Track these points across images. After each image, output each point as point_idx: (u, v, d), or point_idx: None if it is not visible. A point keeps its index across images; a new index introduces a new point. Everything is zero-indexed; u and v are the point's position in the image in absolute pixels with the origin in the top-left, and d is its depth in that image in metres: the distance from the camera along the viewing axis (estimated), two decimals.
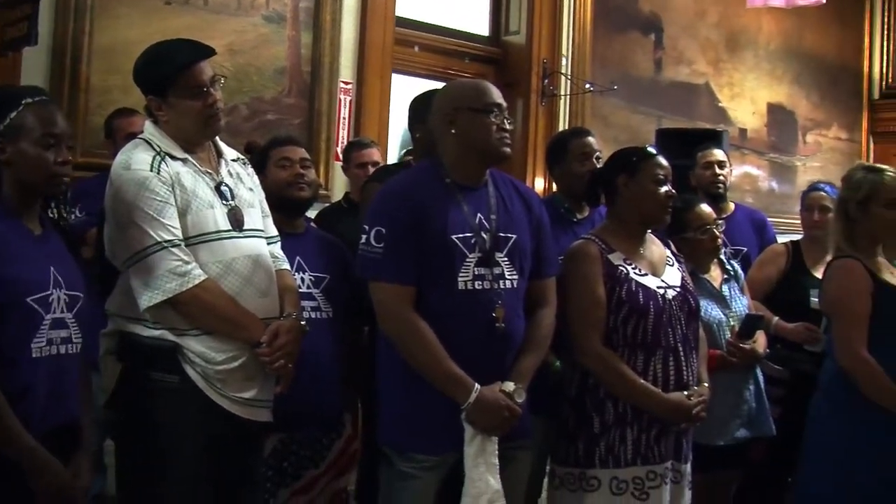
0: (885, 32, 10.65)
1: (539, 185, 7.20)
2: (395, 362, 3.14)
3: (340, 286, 3.63)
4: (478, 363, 3.08)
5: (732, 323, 4.12)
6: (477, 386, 3.06)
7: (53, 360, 2.74)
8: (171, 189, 2.97)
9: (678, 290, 3.52)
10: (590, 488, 3.38)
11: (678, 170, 3.91)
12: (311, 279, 3.59)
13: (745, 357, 4.06)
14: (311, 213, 4.16)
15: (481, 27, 7.58)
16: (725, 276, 4.25)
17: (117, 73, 5.00)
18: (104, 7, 5.15)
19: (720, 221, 4.28)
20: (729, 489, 4.37)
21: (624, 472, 3.37)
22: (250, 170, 3.34)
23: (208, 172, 3.11)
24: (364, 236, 3.14)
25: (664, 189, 3.52)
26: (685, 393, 3.42)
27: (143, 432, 2.98)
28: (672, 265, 3.61)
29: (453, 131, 3.21)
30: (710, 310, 4.04)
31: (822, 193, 4.90)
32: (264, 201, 3.32)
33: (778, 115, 9.60)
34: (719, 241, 4.20)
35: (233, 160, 3.26)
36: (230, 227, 3.07)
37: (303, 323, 3.18)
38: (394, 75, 6.62)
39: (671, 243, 3.75)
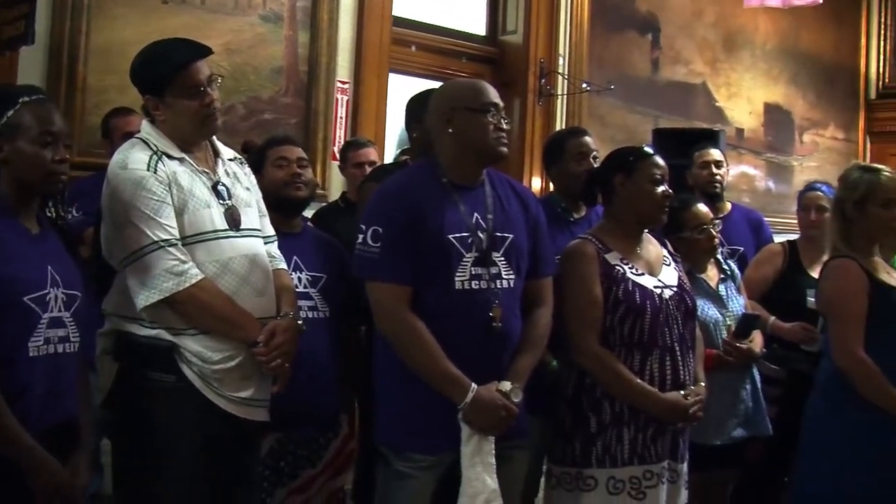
0: (882, 32, 10.65)
1: (536, 184, 7.20)
2: (391, 362, 3.14)
3: (337, 286, 3.64)
4: (474, 363, 3.08)
5: (729, 322, 4.12)
6: (474, 385, 3.06)
7: (51, 359, 2.74)
8: (167, 188, 2.97)
9: (675, 289, 3.52)
10: (586, 488, 3.38)
11: (675, 169, 3.90)
12: (307, 279, 3.60)
13: (741, 356, 4.06)
14: (308, 213, 4.16)
15: (478, 27, 7.58)
16: (722, 276, 4.26)
17: (114, 73, 5.00)
18: (101, 6, 5.15)
19: (717, 221, 4.28)
20: (725, 489, 4.37)
21: (621, 471, 3.37)
22: (247, 169, 3.34)
23: (205, 172, 3.10)
24: (361, 236, 3.14)
25: (661, 189, 3.52)
26: (682, 392, 3.42)
27: (139, 432, 2.98)
28: (669, 265, 3.61)
29: (450, 131, 3.20)
30: (706, 309, 4.04)
31: (819, 193, 4.90)
32: (261, 201, 3.32)
33: (775, 115, 9.61)
34: (716, 240, 4.20)
35: (230, 159, 3.26)
36: (227, 227, 3.07)
37: (300, 322, 3.18)
38: (391, 75, 6.62)
39: (668, 243, 3.75)
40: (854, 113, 10.55)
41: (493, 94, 3.26)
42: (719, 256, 4.32)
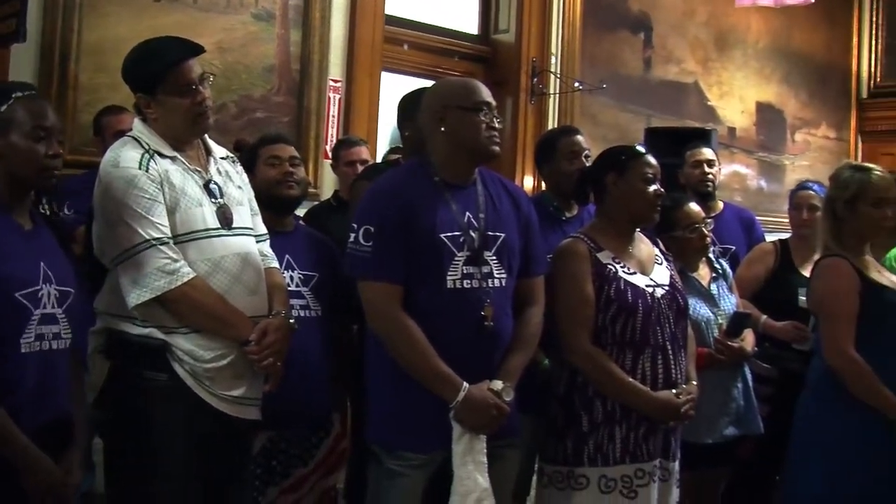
0: (874, 31, 10.67)
1: (528, 183, 7.20)
2: (383, 361, 3.14)
3: (329, 284, 3.64)
4: (466, 362, 3.08)
5: (721, 321, 4.13)
6: (465, 384, 3.06)
7: (43, 355, 2.74)
8: (159, 187, 2.97)
9: (667, 288, 3.53)
10: (578, 486, 3.39)
11: (667, 168, 3.91)
12: (300, 277, 3.60)
13: (732, 355, 4.07)
14: (300, 212, 4.15)
15: (471, 25, 7.57)
16: (714, 275, 4.27)
17: (106, 71, 4.99)
18: (93, 4, 5.13)
19: (709, 220, 4.30)
20: (717, 487, 4.38)
21: (612, 470, 3.37)
22: (239, 168, 3.33)
23: (197, 170, 3.10)
24: (353, 235, 3.14)
25: (653, 188, 3.53)
26: (674, 391, 3.43)
27: (131, 430, 2.97)
28: (661, 264, 3.61)
29: (442, 129, 3.21)
30: (698, 308, 4.05)
31: (811, 192, 4.91)
32: (253, 199, 3.31)
33: (767, 114, 9.62)
34: (708, 239, 4.21)
35: (222, 158, 3.25)
36: (219, 225, 3.06)
37: (291, 321, 3.18)
38: (383, 73, 6.60)
39: (660, 242, 3.76)
40: (846, 112, 10.57)
41: (486, 93, 3.26)
42: (711, 255, 4.32)
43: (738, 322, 4.12)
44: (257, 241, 3.23)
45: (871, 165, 3.98)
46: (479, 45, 7.56)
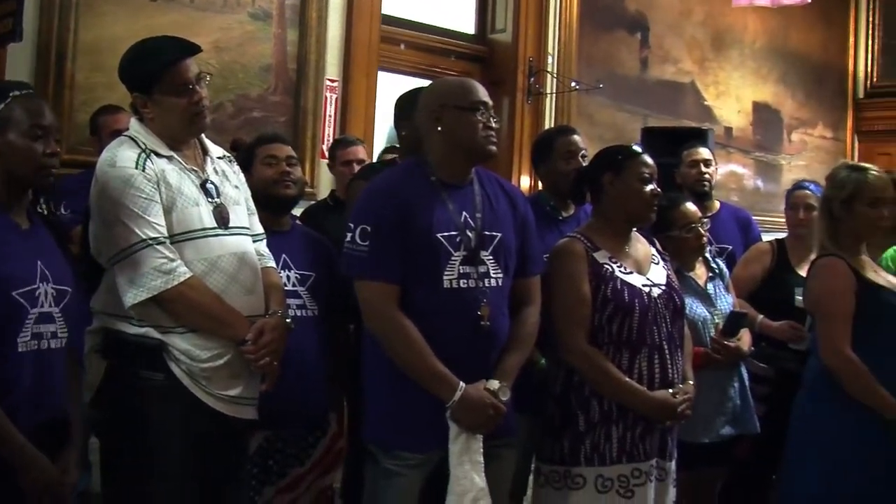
0: (870, 31, 10.68)
1: (525, 183, 7.20)
2: (380, 360, 3.14)
3: (326, 284, 3.64)
4: (463, 361, 3.08)
5: (717, 321, 4.13)
6: (462, 384, 3.06)
7: (39, 354, 2.74)
8: (156, 186, 2.97)
9: (663, 288, 3.53)
10: (575, 486, 3.39)
11: (664, 168, 3.91)
12: (296, 277, 3.60)
13: (729, 354, 4.07)
14: (297, 211, 4.15)
15: (467, 25, 7.57)
16: (710, 275, 4.27)
17: (102, 70, 4.99)
18: (89, 4, 5.13)
19: (705, 220, 4.30)
20: (714, 487, 4.39)
21: (609, 469, 3.37)
22: (236, 167, 3.33)
23: (194, 170, 3.10)
24: (349, 234, 3.14)
25: (649, 187, 3.53)
26: (670, 391, 3.43)
27: (128, 430, 2.97)
28: (657, 263, 3.62)
29: (439, 129, 3.20)
30: (695, 307, 4.05)
31: (807, 192, 4.91)
32: (250, 199, 3.31)
33: (763, 114, 9.62)
34: (704, 239, 4.22)
35: (218, 158, 3.25)
36: (216, 225, 3.06)
37: (288, 321, 3.17)
38: (380, 73, 6.61)
39: (656, 241, 3.76)
40: (842, 112, 10.57)
41: (483, 93, 3.26)
42: (707, 255, 4.33)
43: (734, 321, 4.12)
44: (254, 241, 3.23)
45: (867, 165, 3.98)
46: (476, 44, 7.56)
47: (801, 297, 4.19)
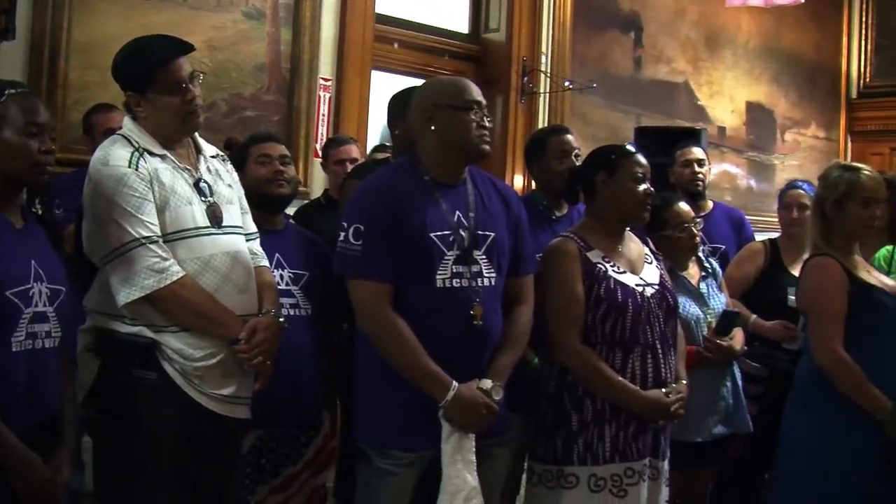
0: (863, 32, 10.69)
1: (518, 182, 7.20)
2: (373, 360, 3.14)
3: (320, 283, 3.63)
4: (455, 361, 3.08)
5: (710, 320, 4.14)
6: (454, 383, 3.06)
7: (34, 354, 2.74)
8: (149, 185, 2.96)
9: (656, 287, 3.53)
10: (568, 485, 3.39)
11: (657, 168, 3.92)
12: (290, 276, 3.59)
13: (721, 353, 4.08)
14: (290, 210, 4.15)
15: (461, 24, 7.57)
16: (703, 274, 4.28)
17: (96, 69, 4.98)
18: (83, 2, 5.12)
19: (698, 219, 4.31)
20: (706, 486, 4.39)
21: (602, 469, 3.38)
22: (229, 166, 3.33)
23: (187, 169, 3.10)
24: (342, 233, 3.14)
25: (643, 187, 3.53)
26: (663, 390, 3.44)
27: (121, 429, 2.97)
28: (650, 263, 3.62)
29: (433, 128, 3.21)
30: (688, 307, 4.06)
31: (800, 191, 4.92)
32: (243, 198, 3.31)
33: (756, 114, 9.63)
34: (697, 238, 4.22)
35: (212, 157, 3.25)
36: (209, 224, 3.06)
37: (281, 320, 3.17)
38: (373, 72, 6.60)
39: (650, 241, 3.76)
40: (835, 112, 10.59)
41: (476, 92, 3.26)
42: (701, 254, 4.34)
43: (727, 320, 4.13)
44: (247, 240, 3.22)
45: (860, 165, 3.99)
46: (470, 44, 7.56)
47: (793, 297, 4.19)
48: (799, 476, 3.76)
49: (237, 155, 3.68)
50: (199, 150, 3.20)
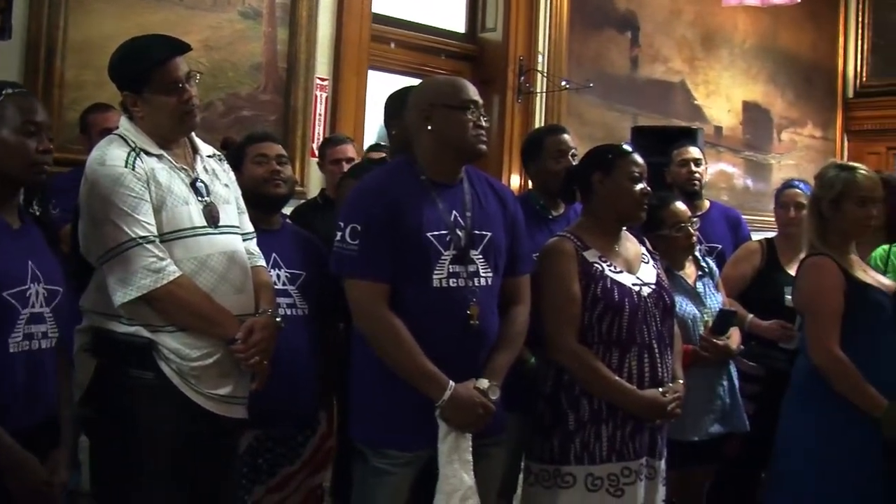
0: (860, 31, 10.70)
1: (515, 182, 7.20)
2: (369, 359, 3.14)
3: (316, 283, 3.63)
4: (452, 360, 3.08)
5: (707, 319, 4.14)
6: (451, 383, 3.06)
7: (31, 354, 2.73)
8: (146, 185, 2.96)
9: (653, 287, 3.53)
10: (565, 485, 3.39)
11: (654, 167, 3.92)
12: (286, 276, 3.59)
13: (717, 353, 4.08)
14: (287, 210, 4.15)
15: (458, 24, 7.56)
16: (700, 273, 4.28)
17: (92, 69, 4.97)
18: (79, 2, 5.11)
19: (695, 219, 4.31)
20: (703, 485, 4.39)
21: (599, 468, 3.37)
22: (226, 166, 3.33)
23: (184, 169, 3.10)
24: (339, 233, 3.13)
25: (639, 186, 3.53)
26: (660, 390, 3.43)
27: (117, 429, 2.96)
28: (647, 262, 3.62)
29: (429, 128, 3.20)
30: (684, 306, 4.06)
31: (797, 191, 4.92)
32: (240, 197, 3.31)
33: (753, 113, 9.63)
34: (694, 238, 4.23)
35: (208, 156, 3.25)
36: (205, 224, 3.06)
37: (278, 319, 3.17)
38: (370, 72, 6.60)
39: (646, 240, 3.76)
40: (832, 111, 10.59)
41: (473, 92, 3.26)
42: (697, 254, 4.34)
43: (723, 320, 4.13)
44: (244, 240, 3.22)
45: (856, 165, 3.99)
46: (466, 43, 7.56)
47: (790, 297, 4.19)
48: (796, 475, 3.77)
49: (234, 155, 3.68)
50: (195, 150, 3.20)
